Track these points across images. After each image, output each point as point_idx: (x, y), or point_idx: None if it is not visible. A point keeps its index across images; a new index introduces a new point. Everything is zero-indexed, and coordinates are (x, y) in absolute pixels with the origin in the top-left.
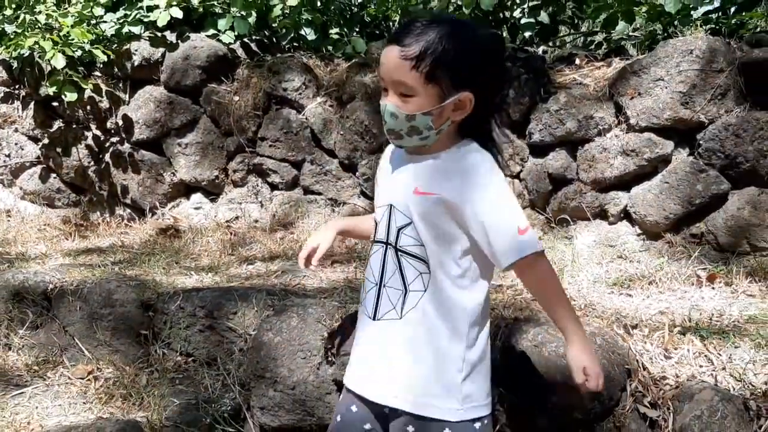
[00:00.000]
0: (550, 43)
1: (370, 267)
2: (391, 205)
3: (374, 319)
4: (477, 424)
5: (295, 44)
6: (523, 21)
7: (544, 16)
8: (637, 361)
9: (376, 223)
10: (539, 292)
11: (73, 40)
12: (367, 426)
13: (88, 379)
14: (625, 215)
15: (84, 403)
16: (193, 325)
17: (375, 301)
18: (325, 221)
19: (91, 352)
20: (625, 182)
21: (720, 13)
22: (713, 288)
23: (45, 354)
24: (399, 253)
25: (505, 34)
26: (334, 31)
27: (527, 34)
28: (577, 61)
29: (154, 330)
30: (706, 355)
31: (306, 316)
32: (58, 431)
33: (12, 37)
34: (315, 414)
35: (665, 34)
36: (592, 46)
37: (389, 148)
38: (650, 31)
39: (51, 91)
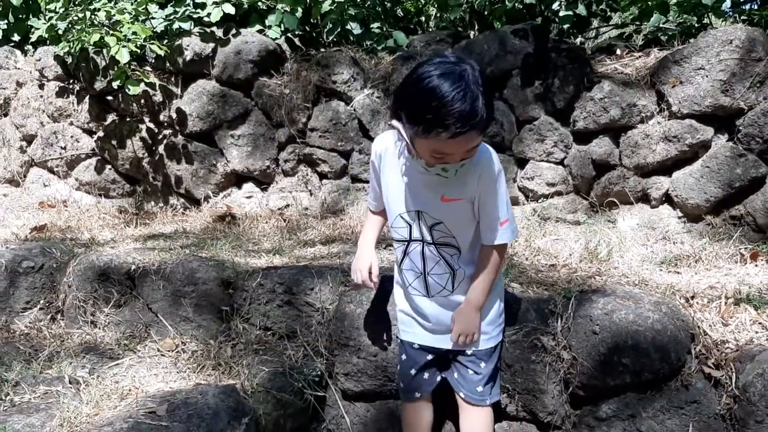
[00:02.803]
0: (588, 35)
1: (410, 260)
2: (419, 211)
3: (429, 296)
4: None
5: (334, 39)
6: (561, 13)
7: (581, 8)
8: (698, 327)
9: (409, 224)
10: (481, 266)
11: (132, 36)
12: (429, 357)
13: (177, 352)
14: (667, 199)
15: (177, 372)
16: (272, 300)
17: (425, 285)
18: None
19: (175, 328)
20: (666, 167)
21: (751, 5)
22: (756, 265)
23: (131, 330)
24: (436, 246)
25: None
26: (375, 26)
27: (566, 26)
28: (618, 52)
29: (234, 306)
30: (760, 323)
31: (384, 289)
32: (163, 396)
33: (64, 33)
34: (395, 380)
35: (699, 26)
36: (624, 37)
37: (380, 150)
38: (680, 23)
39: (115, 84)
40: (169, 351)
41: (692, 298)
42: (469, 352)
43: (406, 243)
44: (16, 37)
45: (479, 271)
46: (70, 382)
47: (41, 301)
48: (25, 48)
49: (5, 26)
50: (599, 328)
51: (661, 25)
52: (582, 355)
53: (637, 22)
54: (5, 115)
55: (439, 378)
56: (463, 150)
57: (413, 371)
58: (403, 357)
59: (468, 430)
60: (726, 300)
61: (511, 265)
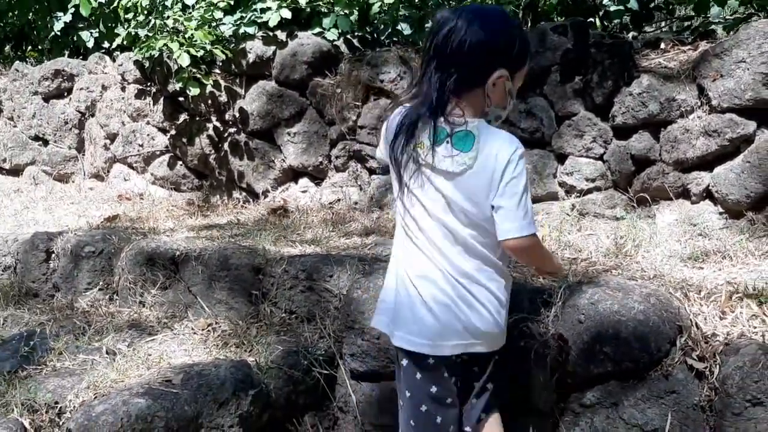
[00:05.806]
0: (644, 29)
1: None
2: None
3: None
4: None
5: (394, 39)
6: (612, 8)
7: (633, 3)
8: (690, 320)
9: None
10: None
11: (196, 41)
12: None
13: (208, 331)
14: (708, 194)
15: (204, 348)
16: (296, 286)
17: None
18: None
19: (210, 309)
20: (707, 162)
21: None
22: None
23: (172, 310)
24: None
25: (597, 22)
26: (429, 25)
27: (616, 21)
28: (662, 45)
29: (263, 290)
30: (762, 318)
31: None
32: (183, 367)
33: (144, 39)
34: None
35: (758, 17)
36: (687, 32)
37: None
38: (746, 14)
39: (178, 86)
40: (201, 329)
41: (697, 292)
42: None
43: None
44: (106, 44)
45: None
46: (107, 353)
47: (100, 282)
48: (113, 54)
49: (97, 34)
50: (584, 317)
51: (726, 17)
52: (568, 342)
53: (699, 16)
54: (92, 115)
55: None
56: None
57: None
58: None
59: None
60: (731, 294)
61: None
